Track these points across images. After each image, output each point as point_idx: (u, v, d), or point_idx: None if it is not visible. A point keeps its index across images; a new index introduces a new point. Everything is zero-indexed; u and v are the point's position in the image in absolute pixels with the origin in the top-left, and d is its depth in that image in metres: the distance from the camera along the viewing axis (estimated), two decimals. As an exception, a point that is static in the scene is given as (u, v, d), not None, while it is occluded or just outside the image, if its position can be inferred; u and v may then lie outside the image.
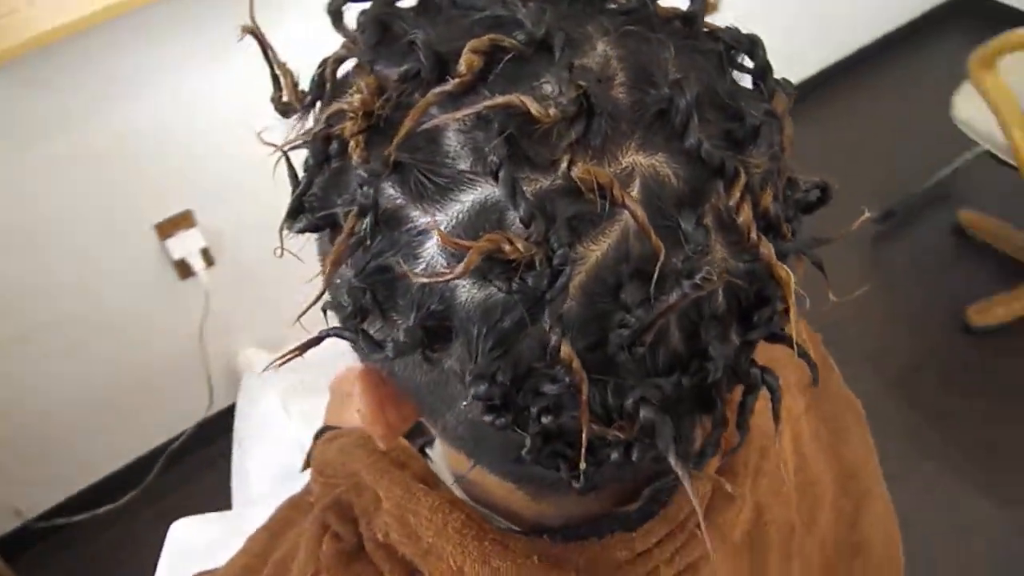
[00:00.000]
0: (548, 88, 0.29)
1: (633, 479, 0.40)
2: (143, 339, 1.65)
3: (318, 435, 0.87)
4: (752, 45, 0.34)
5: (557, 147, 0.29)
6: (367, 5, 0.34)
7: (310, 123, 0.37)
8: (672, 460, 0.31)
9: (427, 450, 0.55)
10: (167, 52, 1.38)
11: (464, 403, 0.33)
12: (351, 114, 0.31)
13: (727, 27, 0.35)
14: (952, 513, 1.65)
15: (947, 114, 1.80)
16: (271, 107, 0.36)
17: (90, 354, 1.60)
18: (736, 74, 0.34)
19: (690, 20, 0.34)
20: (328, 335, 0.34)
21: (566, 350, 0.29)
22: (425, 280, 0.30)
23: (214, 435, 1.74)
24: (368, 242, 0.31)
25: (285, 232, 0.35)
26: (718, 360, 0.31)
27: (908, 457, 1.71)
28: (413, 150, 0.30)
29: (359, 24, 0.33)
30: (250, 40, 0.35)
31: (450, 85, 0.30)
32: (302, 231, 0.34)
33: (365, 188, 0.31)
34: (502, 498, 0.42)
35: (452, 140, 0.30)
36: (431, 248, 0.30)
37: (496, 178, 0.29)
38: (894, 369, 1.87)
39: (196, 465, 1.81)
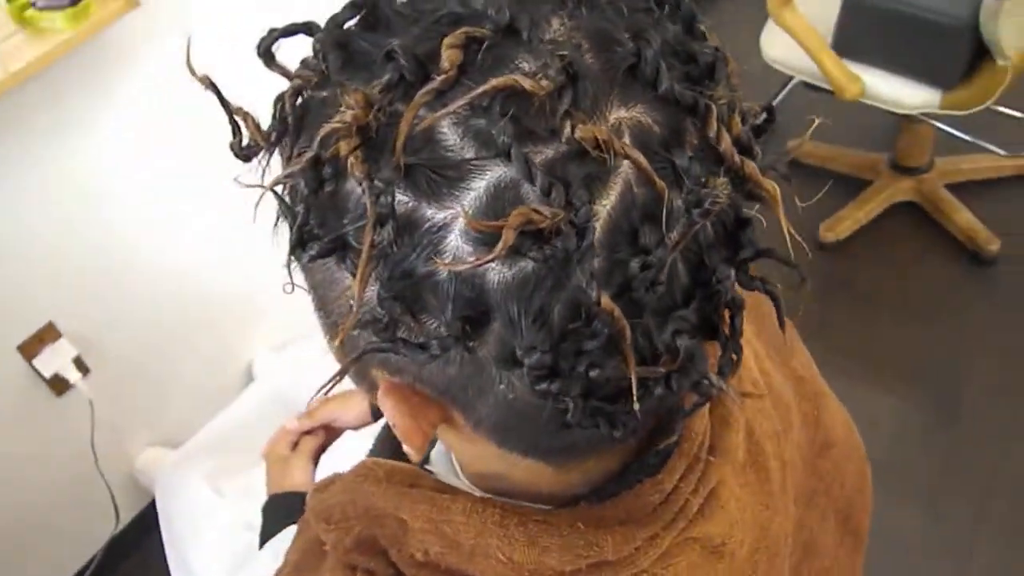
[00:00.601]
0: (527, 67, 0.31)
1: (654, 422, 0.42)
2: (30, 473, 1.53)
3: (268, 508, 0.85)
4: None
5: (554, 117, 0.30)
6: (301, 38, 0.35)
7: (275, 160, 0.36)
8: (714, 380, 0.34)
9: (425, 466, 0.54)
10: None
11: (502, 386, 0.34)
12: (344, 133, 0.31)
13: None
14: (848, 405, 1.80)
15: (759, 55, 1.94)
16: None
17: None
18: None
19: None
20: (367, 352, 0.34)
21: (606, 301, 0.31)
22: (460, 268, 0.30)
23: (128, 550, 1.66)
24: (391, 251, 0.32)
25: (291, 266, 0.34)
26: (726, 282, 0.34)
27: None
28: (415, 152, 0.31)
29: (318, 51, 0.34)
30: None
31: (437, 82, 0.30)
32: (313, 259, 0.34)
33: (382, 198, 0.31)
34: (525, 481, 0.43)
35: (449, 134, 0.31)
36: (454, 240, 0.31)
37: (508, 157, 0.30)
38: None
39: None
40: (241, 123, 0.35)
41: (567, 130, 0.30)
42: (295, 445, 0.88)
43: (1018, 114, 2.21)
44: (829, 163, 2.18)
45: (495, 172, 0.31)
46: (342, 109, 0.31)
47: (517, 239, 0.30)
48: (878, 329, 1.97)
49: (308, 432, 0.89)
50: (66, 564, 1.67)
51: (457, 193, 0.31)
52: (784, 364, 0.60)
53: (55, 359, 1.44)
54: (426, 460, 0.55)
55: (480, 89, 0.30)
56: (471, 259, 0.30)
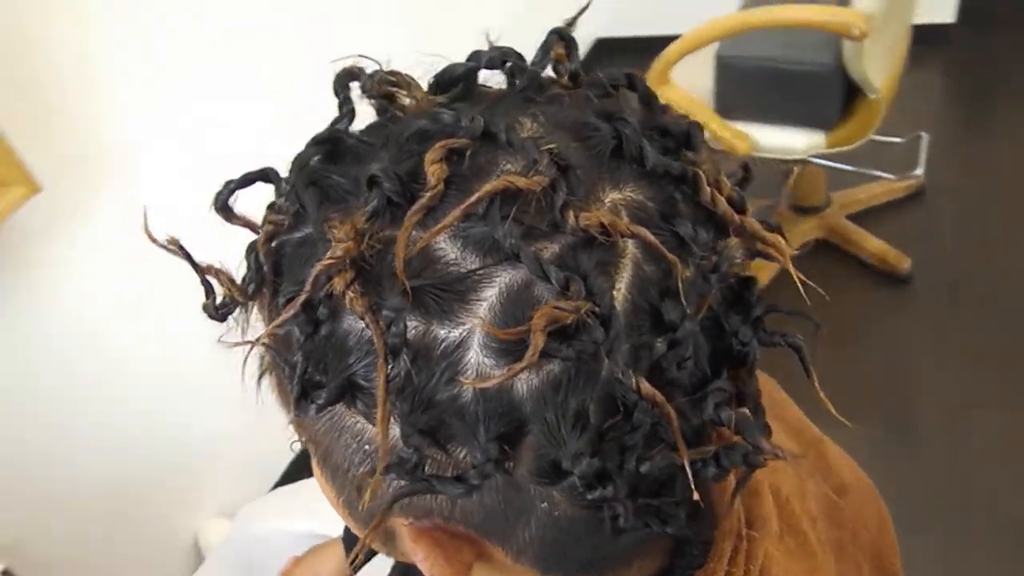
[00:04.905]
0: (513, 167, 0.30)
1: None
2: None
3: None
4: (629, 79, 0.37)
5: (552, 211, 0.30)
6: (266, 184, 0.34)
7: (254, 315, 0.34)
8: (766, 447, 0.32)
9: None
10: None
11: (544, 504, 0.32)
12: (338, 267, 0.29)
13: (599, 72, 0.38)
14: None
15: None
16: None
17: None
18: None
19: (574, 76, 0.36)
20: (400, 496, 0.32)
21: (646, 387, 0.29)
22: (490, 385, 0.29)
23: None
24: (409, 383, 0.30)
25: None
26: (751, 342, 0.33)
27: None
28: (417, 274, 0.30)
29: (291, 194, 0.33)
30: None
31: (426, 199, 0.30)
32: (322, 408, 0.32)
33: (393, 327, 0.29)
34: None
35: (448, 248, 0.30)
36: (474, 357, 0.29)
37: (518, 259, 0.29)
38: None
39: None
40: (214, 281, 0.33)
41: (571, 220, 0.29)
42: None
43: (898, 139, 2.36)
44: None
45: (504, 277, 0.29)
46: (332, 244, 0.30)
47: (559, 340, 0.28)
48: (821, 366, 1.99)
49: None
50: None
51: (469, 307, 0.29)
52: (779, 418, 0.59)
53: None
54: None
55: (475, 197, 0.29)
56: (498, 372, 0.29)
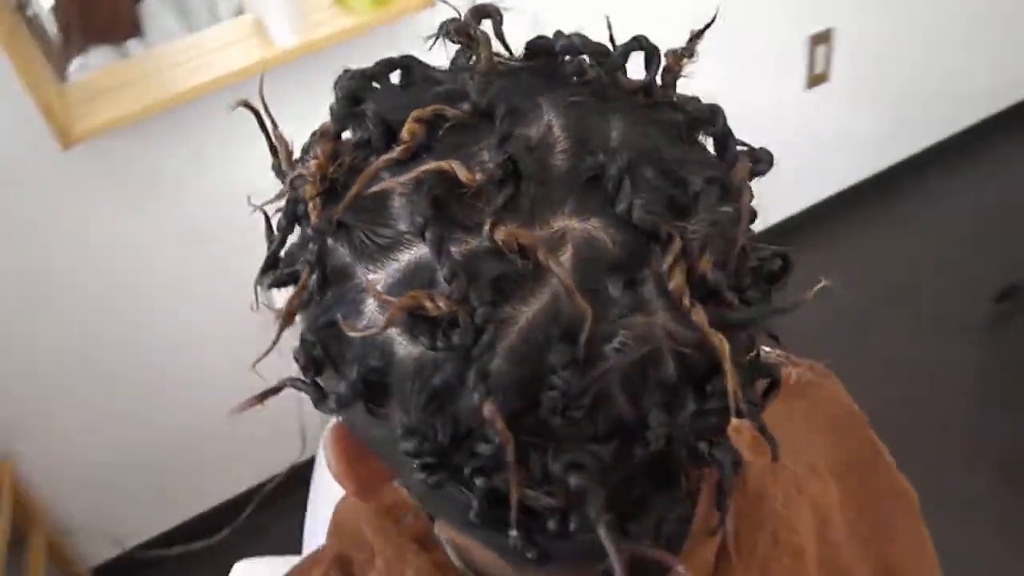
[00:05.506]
0: (485, 155, 0.31)
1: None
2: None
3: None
4: (712, 114, 0.34)
5: (484, 210, 0.30)
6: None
7: None
8: (602, 533, 0.30)
9: None
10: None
11: (408, 461, 0.33)
12: (310, 178, 0.32)
13: (690, 96, 0.35)
14: None
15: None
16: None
17: (195, 402, 1.69)
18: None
19: (648, 90, 0.34)
20: (286, 385, 0.35)
21: (488, 409, 0.29)
22: (354, 334, 0.31)
23: (305, 480, 1.80)
24: (317, 297, 0.33)
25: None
26: (657, 429, 0.30)
27: None
28: (360, 212, 0.32)
29: (335, 95, 0.35)
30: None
31: (396, 152, 0.31)
32: (270, 286, 0.36)
33: (311, 245, 0.32)
34: (489, 566, 0.42)
35: (396, 204, 0.31)
36: (371, 304, 0.31)
37: (423, 237, 0.30)
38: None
39: (288, 508, 1.87)
40: (279, 149, 0.37)
41: (486, 227, 0.29)
42: None
43: None
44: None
45: (419, 250, 0.30)
46: (311, 157, 0.33)
47: (412, 321, 0.30)
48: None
49: None
50: (245, 477, 1.86)
51: (384, 260, 0.31)
52: (874, 546, 0.52)
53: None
54: None
55: (420, 169, 0.30)
56: (374, 329, 0.31)
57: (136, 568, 1.83)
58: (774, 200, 2.32)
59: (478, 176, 0.29)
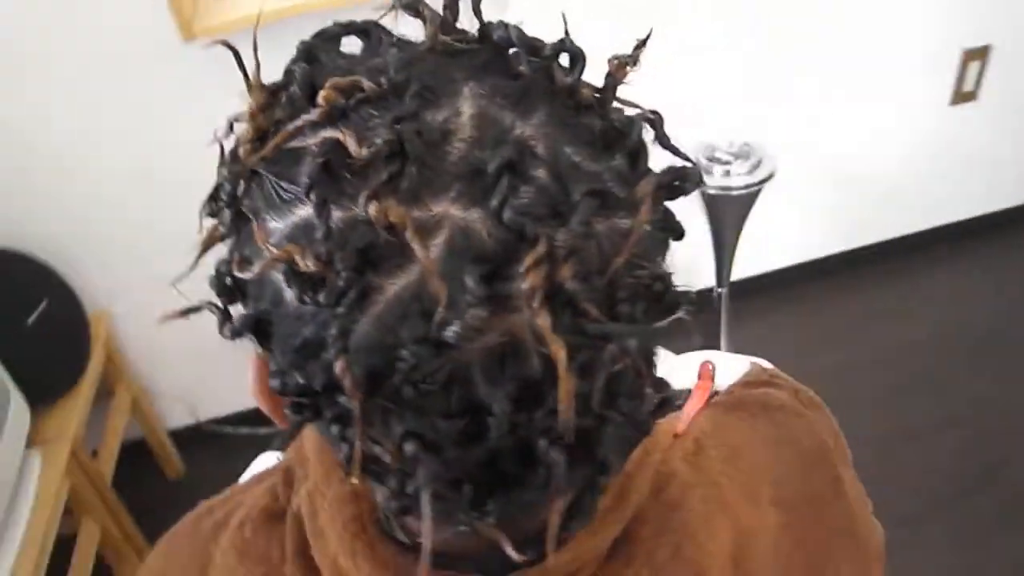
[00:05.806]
0: (382, 131, 0.32)
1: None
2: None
3: None
4: (629, 126, 0.34)
5: (364, 184, 0.31)
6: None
7: None
8: (423, 502, 0.32)
9: None
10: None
11: None
12: (244, 121, 0.35)
13: (624, 105, 0.35)
14: None
15: None
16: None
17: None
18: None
19: (572, 93, 0.34)
20: (203, 307, 0.38)
21: (340, 365, 0.31)
22: (240, 275, 0.34)
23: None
24: (234, 234, 0.35)
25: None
26: (499, 418, 0.31)
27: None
28: (276, 163, 0.34)
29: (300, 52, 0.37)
30: None
31: (313, 114, 0.33)
32: (207, 215, 0.38)
33: (225, 185, 0.35)
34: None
35: (308, 163, 0.33)
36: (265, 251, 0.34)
37: (309, 197, 0.31)
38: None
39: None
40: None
41: (360, 200, 0.31)
42: None
43: None
44: None
45: (306, 210, 0.32)
46: (250, 103, 0.35)
47: (289, 274, 0.32)
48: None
49: None
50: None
51: (285, 212, 0.33)
52: None
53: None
54: None
55: (320, 135, 0.32)
56: (252, 273, 0.34)
57: (207, 438, 1.97)
58: (899, 212, 2.25)
59: (364, 151, 0.31)
